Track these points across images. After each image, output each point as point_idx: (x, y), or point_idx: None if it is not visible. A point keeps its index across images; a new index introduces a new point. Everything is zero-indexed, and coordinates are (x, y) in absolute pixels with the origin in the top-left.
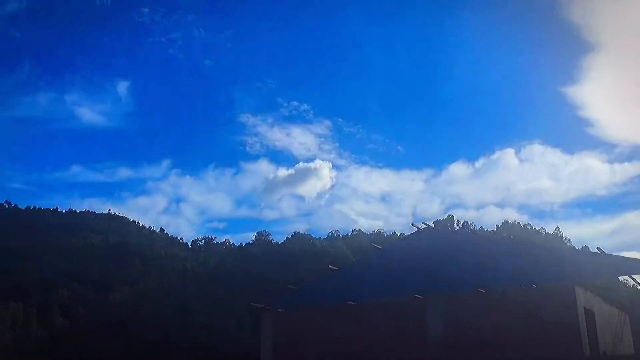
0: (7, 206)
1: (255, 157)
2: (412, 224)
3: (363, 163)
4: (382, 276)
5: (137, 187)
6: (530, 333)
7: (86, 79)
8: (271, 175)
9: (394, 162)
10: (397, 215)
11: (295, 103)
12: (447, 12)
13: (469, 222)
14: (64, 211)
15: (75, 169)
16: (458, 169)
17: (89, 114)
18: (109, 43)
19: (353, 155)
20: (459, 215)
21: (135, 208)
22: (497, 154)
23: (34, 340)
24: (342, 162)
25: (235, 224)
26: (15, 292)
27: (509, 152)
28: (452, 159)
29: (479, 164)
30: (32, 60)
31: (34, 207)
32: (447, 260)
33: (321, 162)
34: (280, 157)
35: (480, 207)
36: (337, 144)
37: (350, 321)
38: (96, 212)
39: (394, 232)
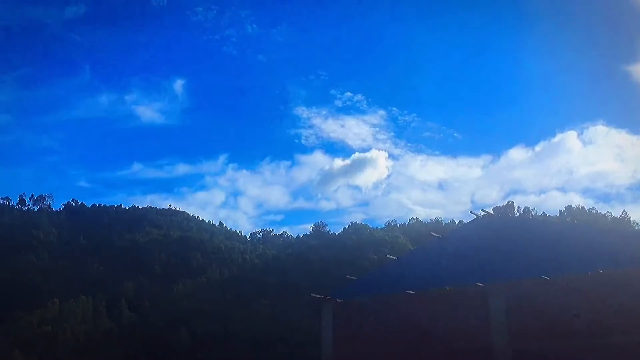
0: (74, 204)
1: (310, 149)
2: (471, 212)
3: (419, 151)
4: (441, 265)
5: (195, 183)
6: (598, 321)
7: (144, 78)
8: (327, 167)
9: (451, 150)
10: (455, 203)
11: (349, 94)
12: None
13: (530, 208)
14: (127, 208)
15: (137, 166)
16: (517, 154)
17: (148, 113)
18: (165, 43)
19: (409, 144)
20: (520, 201)
21: (195, 203)
22: (558, 137)
23: (103, 332)
24: (397, 151)
25: (292, 215)
26: (85, 286)
27: (571, 135)
28: (511, 144)
29: (539, 148)
30: (92, 63)
31: (99, 205)
32: (509, 247)
33: (377, 151)
34: (335, 148)
35: (541, 192)
36: (392, 133)
37: (410, 310)
38: (157, 207)
39: (452, 220)
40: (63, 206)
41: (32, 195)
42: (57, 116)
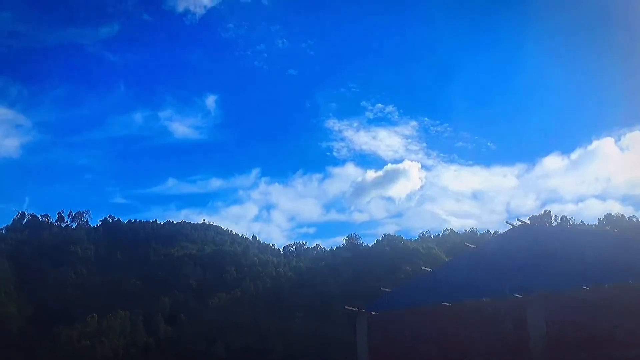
0: (110, 220)
1: (342, 162)
2: (507, 222)
3: (452, 161)
4: (477, 276)
5: (229, 197)
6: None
7: (177, 95)
8: (359, 179)
9: (484, 159)
10: (490, 212)
11: (379, 105)
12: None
13: (568, 217)
14: (162, 223)
15: (171, 182)
16: (552, 162)
17: (181, 129)
18: (197, 60)
19: (441, 155)
20: (557, 210)
21: (228, 217)
22: (594, 144)
23: (141, 347)
24: (430, 161)
25: (325, 228)
26: (122, 301)
27: (608, 142)
28: (546, 152)
29: (575, 155)
30: (126, 82)
31: (135, 220)
32: (546, 257)
33: (410, 162)
34: (367, 160)
35: (579, 200)
36: (425, 144)
37: (446, 323)
38: (192, 222)
39: (488, 231)
40: (100, 222)
41: (71, 212)
42: (93, 134)
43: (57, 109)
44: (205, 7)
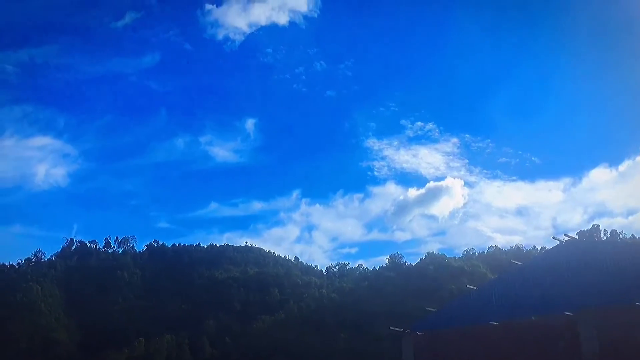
0: (155, 245)
1: (382, 181)
2: (554, 237)
3: (495, 177)
4: (525, 294)
5: (270, 219)
6: None
7: (217, 120)
8: (401, 197)
9: (528, 174)
10: (536, 228)
11: (419, 123)
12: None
13: (617, 231)
14: (205, 246)
15: (213, 205)
16: (600, 174)
17: (222, 153)
18: (236, 84)
19: (484, 171)
20: (606, 224)
21: (270, 239)
22: None
23: None
24: (473, 178)
25: (367, 248)
26: (168, 325)
27: None
28: (592, 165)
29: (623, 167)
30: (168, 108)
31: (179, 245)
32: (597, 273)
33: (452, 179)
34: (408, 178)
35: (629, 213)
36: (466, 161)
37: (494, 342)
38: (234, 245)
39: (534, 247)
40: (145, 247)
41: (117, 237)
42: (137, 161)
43: (102, 137)
44: (244, 33)
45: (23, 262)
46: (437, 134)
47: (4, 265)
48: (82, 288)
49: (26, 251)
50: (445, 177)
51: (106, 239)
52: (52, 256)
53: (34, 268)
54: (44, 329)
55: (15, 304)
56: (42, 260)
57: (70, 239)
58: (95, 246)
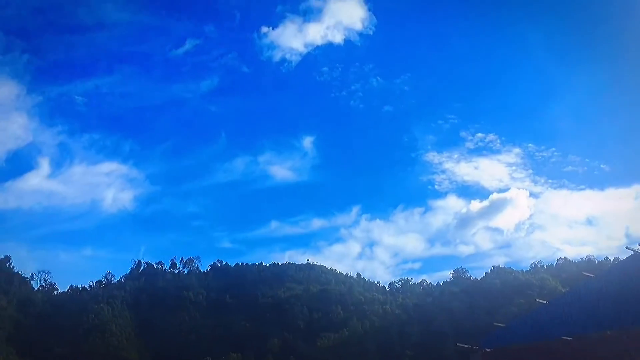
0: (219, 265)
1: (443, 194)
2: (627, 247)
3: (561, 187)
4: (599, 307)
5: (331, 236)
6: None
7: (275, 139)
8: (463, 210)
9: (597, 182)
10: (608, 238)
11: (480, 135)
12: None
13: None
14: (267, 265)
15: (274, 224)
16: None
17: (281, 172)
18: (293, 104)
19: (550, 180)
20: None
21: (332, 256)
22: None
23: None
24: (538, 188)
25: (430, 262)
26: (234, 343)
27: None
28: None
29: None
30: (227, 130)
31: (242, 264)
32: None
33: (516, 190)
34: (470, 191)
35: None
36: (531, 171)
37: (567, 357)
38: (296, 263)
39: (606, 258)
40: (209, 267)
41: (182, 258)
42: (199, 182)
43: (166, 161)
44: (300, 54)
45: (94, 284)
46: (498, 144)
47: (76, 287)
48: (150, 308)
49: (97, 273)
50: (509, 189)
51: (172, 259)
52: (121, 278)
53: (104, 290)
54: (116, 348)
55: (88, 325)
56: (112, 282)
57: (138, 260)
58: (162, 267)
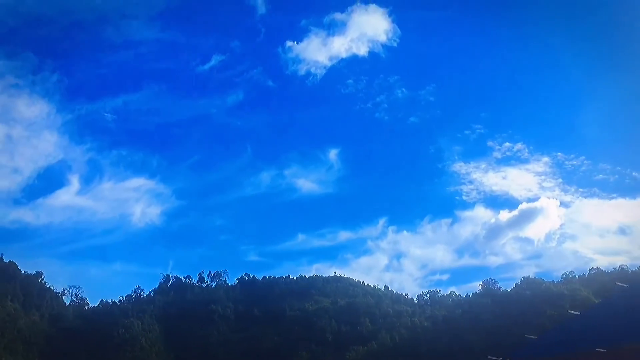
0: (246, 278)
1: (471, 205)
2: None
3: (592, 196)
4: (633, 317)
5: (358, 248)
6: None
7: (301, 152)
8: (492, 220)
9: (629, 190)
10: None
11: (507, 144)
12: None
13: None
14: (295, 278)
15: (301, 237)
16: None
17: (307, 185)
18: (318, 117)
19: (580, 189)
20: None
21: (359, 268)
22: None
23: None
24: (568, 198)
25: (458, 274)
26: (262, 357)
27: None
28: None
29: None
30: (253, 144)
31: (269, 277)
32: None
33: (546, 200)
34: (499, 201)
35: None
36: (560, 180)
37: None
38: (323, 276)
39: None
40: (237, 280)
41: (210, 272)
42: (226, 197)
43: (192, 175)
44: (325, 67)
45: (124, 298)
46: (526, 153)
47: (106, 302)
48: (179, 322)
49: (127, 288)
50: (539, 198)
51: (200, 273)
52: (150, 292)
53: (134, 304)
54: None
55: (118, 339)
56: (142, 296)
57: (167, 275)
58: (190, 281)
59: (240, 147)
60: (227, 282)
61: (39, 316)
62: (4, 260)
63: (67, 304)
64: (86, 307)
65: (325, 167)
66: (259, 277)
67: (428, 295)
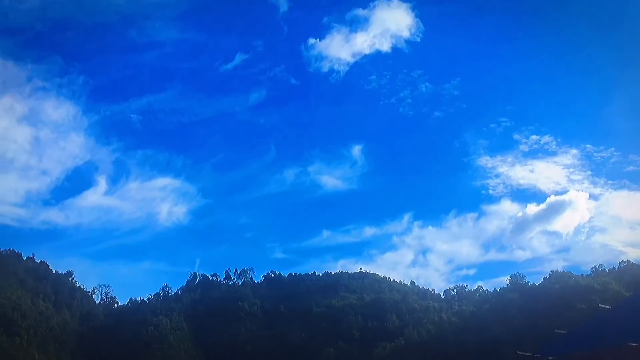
0: (272, 275)
1: (497, 199)
2: None
3: (622, 187)
4: None
5: (383, 244)
6: None
7: (324, 149)
8: (519, 214)
9: None
10: None
11: (534, 137)
12: None
13: None
14: (320, 274)
15: (326, 234)
16: None
17: (331, 181)
18: (342, 113)
19: (609, 182)
20: None
21: (384, 264)
22: None
23: None
24: (597, 190)
25: (485, 268)
26: (289, 353)
27: None
28: None
29: None
30: (276, 142)
31: (295, 274)
32: None
33: (575, 193)
34: (526, 194)
35: None
36: (589, 172)
37: None
38: (349, 272)
39: None
40: (263, 278)
41: (236, 269)
42: (250, 194)
43: (217, 174)
44: (348, 63)
45: (152, 296)
46: (554, 146)
47: (135, 300)
48: (207, 320)
49: (155, 286)
50: (568, 191)
51: (226, 271)
52: (178, 290)
53: (162, 302)
54: None
55: (147, 337)
56: (170, 294)
57: (194, 273)
58: (217, 279)
59: (263, 145)
60: (254, 279)
61: (70, 315)
62: (36, 260)
63: (97, 302)
64: (116, 305)
65: (349, 163)
66: (285, 274)
67: (455, 290)
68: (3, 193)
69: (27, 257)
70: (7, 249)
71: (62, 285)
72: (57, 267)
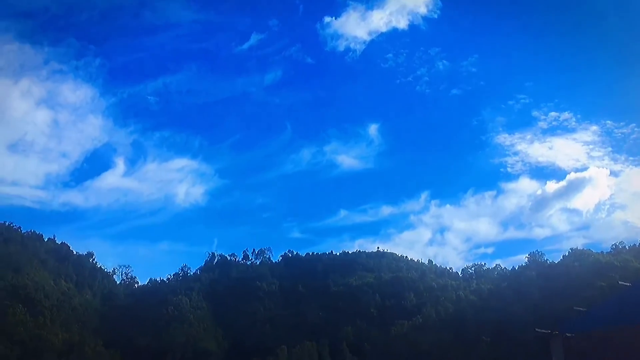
0: (290, 255)
1: (515, 177)
2: None
3: None
4: None
5: (401, 223)
6: None
7: (340, 128)
8: (538, 192)
9: None
10: None
11: (554, 114)
12: None
13: None
14: (338, 254)
15: (343, 213)
16: None
17: (347, 160)
18: (358, 92)
19: (630, 158)
20: None
21: (402, 243)
22: None
23: None
24: (618, 167)
25: (504, 246)
26: (308, 332)
27: None
28: None
29: None
30: (292, 122)
31: (313, 253)
32: None
33: (596, 169)
34: (545, 172)
35: None
36: (610, 149)
37: None
38: (367, 251)
39: None
40: (281, 257)
41: (254, 249)
42: (267, 174)
43: (234, 154)
44: (364, 42)
45: (172, 276)
46: (574, 123)
47: (155, 280)
48: (226, 299)
49: (174, 266)
50: (588, 168)
51: (244, 251)
52: (197, 270)
53: (181, 282)
54: (194, 338)
55: (168, 317)
56: (189, 274)
57: (212, 253)
58: (235, 259)
59: (280, 125)
60: (271, 259)
61: (92, 295)
62: (57, 241)
63: (118, 282)
64: (136, 285)
65: (366, 142)
66: (303, 253)
67: (473, 268)
68: (23, 175)
69: (48, 239)
70: (29, 230)
71: (83, 266)
72: (78, 248)
